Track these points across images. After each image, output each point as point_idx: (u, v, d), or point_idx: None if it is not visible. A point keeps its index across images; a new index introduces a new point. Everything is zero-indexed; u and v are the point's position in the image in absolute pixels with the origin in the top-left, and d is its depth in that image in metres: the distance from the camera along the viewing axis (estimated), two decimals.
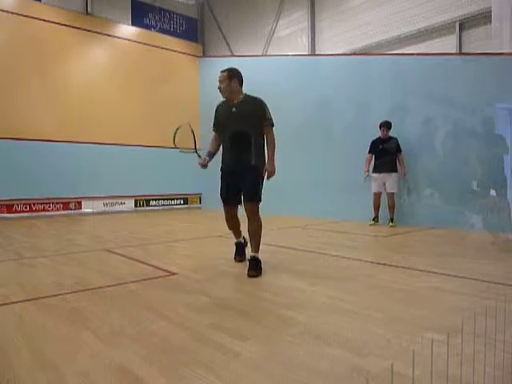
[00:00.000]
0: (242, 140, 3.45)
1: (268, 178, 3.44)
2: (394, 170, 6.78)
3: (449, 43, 7.49)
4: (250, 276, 3.22)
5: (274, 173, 3.44)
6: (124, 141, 10.81)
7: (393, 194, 6.75)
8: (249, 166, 3.42)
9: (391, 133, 6.79)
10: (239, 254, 3.90)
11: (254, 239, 3.42)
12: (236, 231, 3.86)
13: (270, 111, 3.49)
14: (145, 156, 11.02)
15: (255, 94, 3.56)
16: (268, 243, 4.93)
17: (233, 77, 3.47)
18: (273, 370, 1.63)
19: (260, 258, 3.39)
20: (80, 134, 10.09)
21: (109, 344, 1.92)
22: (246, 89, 3.59)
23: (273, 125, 3.48)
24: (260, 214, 3.45)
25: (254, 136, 3.42)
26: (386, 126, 6.78)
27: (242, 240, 3.94)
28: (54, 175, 9.55)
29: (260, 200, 3.44)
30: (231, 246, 3.99)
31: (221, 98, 3.62)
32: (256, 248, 3.41)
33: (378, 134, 6.85)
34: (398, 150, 6.76)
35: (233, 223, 3.76)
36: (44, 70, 9.64)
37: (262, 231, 3.48)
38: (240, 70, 3.57)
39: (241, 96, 3.51)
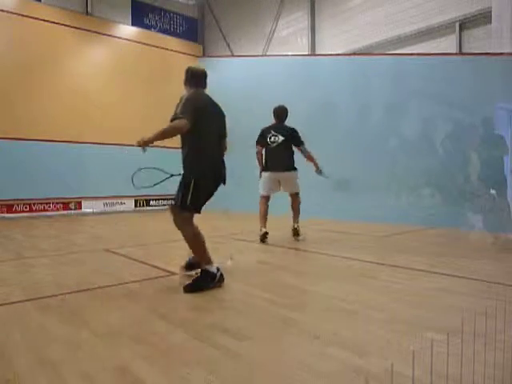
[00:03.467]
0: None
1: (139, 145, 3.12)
2: None
3: (449, 43, 7.49)
4: (183, 288, 2.83)
5: (141, 142, 3.12)
6: (124, 141, 10.79)
7: None
8: None
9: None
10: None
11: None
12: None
13: (189, 105, 2.94)
14: (145, 156, 11.00)
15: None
16: (268, 243, 4.92)
17: (185, 74, 3.24)
18: (273, 369, 1.63)
19: (208, 269, 2.90)
20: (80, 133, 10.08)
21: (109, 344, 1.92)
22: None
23: (179, 119, 2.92)
24: (188, 222, 3.07)
25: (186, 140, 3.11)
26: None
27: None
28: (54, 175, 9.54)
29: (177, 207, 3.05)
30: (230, 246, 3.99)
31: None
32: (199, 259, 3.03)
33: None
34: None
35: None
36: (44, 70, 9.64)
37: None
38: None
39: None
